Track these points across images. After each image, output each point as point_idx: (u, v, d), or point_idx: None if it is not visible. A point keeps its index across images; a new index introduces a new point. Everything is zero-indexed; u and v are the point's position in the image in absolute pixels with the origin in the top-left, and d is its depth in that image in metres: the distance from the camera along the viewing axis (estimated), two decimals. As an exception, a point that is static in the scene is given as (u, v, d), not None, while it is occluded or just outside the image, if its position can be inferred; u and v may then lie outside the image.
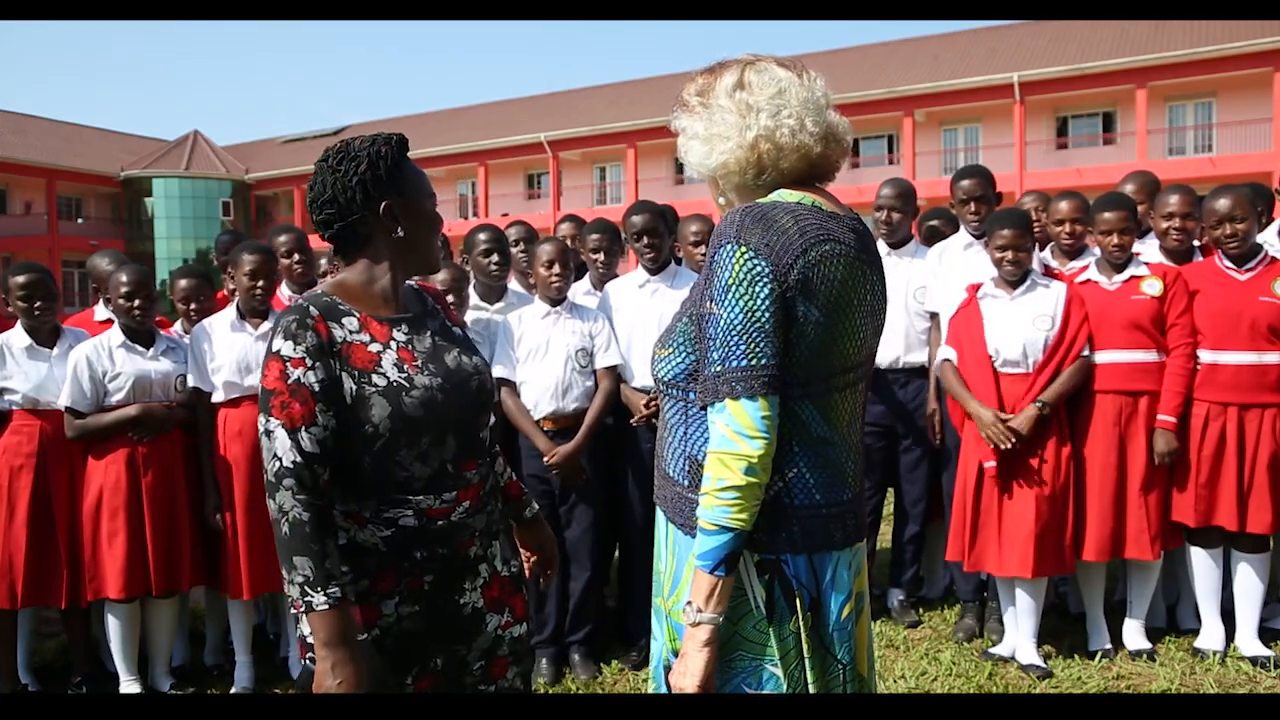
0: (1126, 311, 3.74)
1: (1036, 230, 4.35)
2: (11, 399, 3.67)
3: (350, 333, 1.76)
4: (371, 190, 1.78)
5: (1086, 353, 3.74)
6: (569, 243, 4.51)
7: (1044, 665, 3.74)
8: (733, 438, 1.52)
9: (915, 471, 4.33)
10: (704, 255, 1.82)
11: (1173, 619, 4.19)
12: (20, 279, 3.67)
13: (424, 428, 1.75)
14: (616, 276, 4.30)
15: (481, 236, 4.18)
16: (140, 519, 3.60)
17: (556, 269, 3.83)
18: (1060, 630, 4.09)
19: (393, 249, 1.83)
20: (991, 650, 3.89)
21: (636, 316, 3.96)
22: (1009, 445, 3.62)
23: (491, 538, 1.92)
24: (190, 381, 3.74)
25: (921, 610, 4.44)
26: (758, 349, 1.53)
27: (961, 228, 4.48)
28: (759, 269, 1.53)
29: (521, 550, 2.15)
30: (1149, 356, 3.75)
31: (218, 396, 3.73)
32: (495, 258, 4.11)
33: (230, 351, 3.72)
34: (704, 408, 1.60)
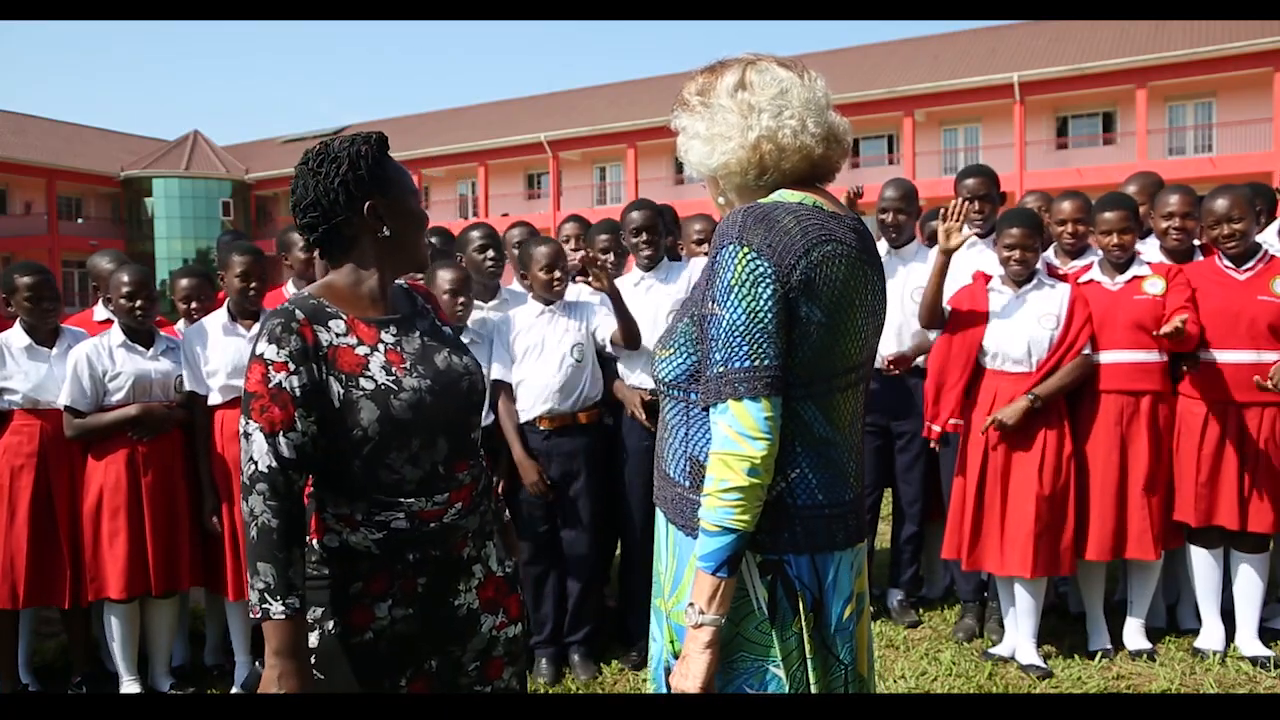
0: (1129, 311, 3.74)
1: None
2: (11, 399, 3.67)
3: (337, 336, 1.74)
4: (355, 191, 1.76)
5: (1088, 351, 3.75)
6: (573, 243, 4.53)
7: (1044, 665, 3.74)
8: (735, 439, 1.51)
9: (911, 471, 4.33)
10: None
11: (1173, 619, 4.19)
12: (26, 279, 3.68)
13: (413, 430, 1.74)
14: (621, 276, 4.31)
15: (475, 234, 4.19)
16: (140, 519, 3.60)
17: (557, 273, 3.84)
18: (1060, 630, 4.09)
19: (379, 249, 1.82)
20: (991, 650, 3.89)
21: (634, 314, 3.96)
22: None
23: (485, 538, 1.91)
24: (185, 384, 3.75)
25: (921, 610, 4.44)
26: (760, 350, 1.52)
27: (964, 227, 4.49)
28: (761, 269, 1.53)
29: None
30: (1151, 357, 3.75)
31: (215, 399, 3.73)
32: (490, 253, 4.12)
33: (224, 354, 3.72)
34: (706, 408, 1.59)
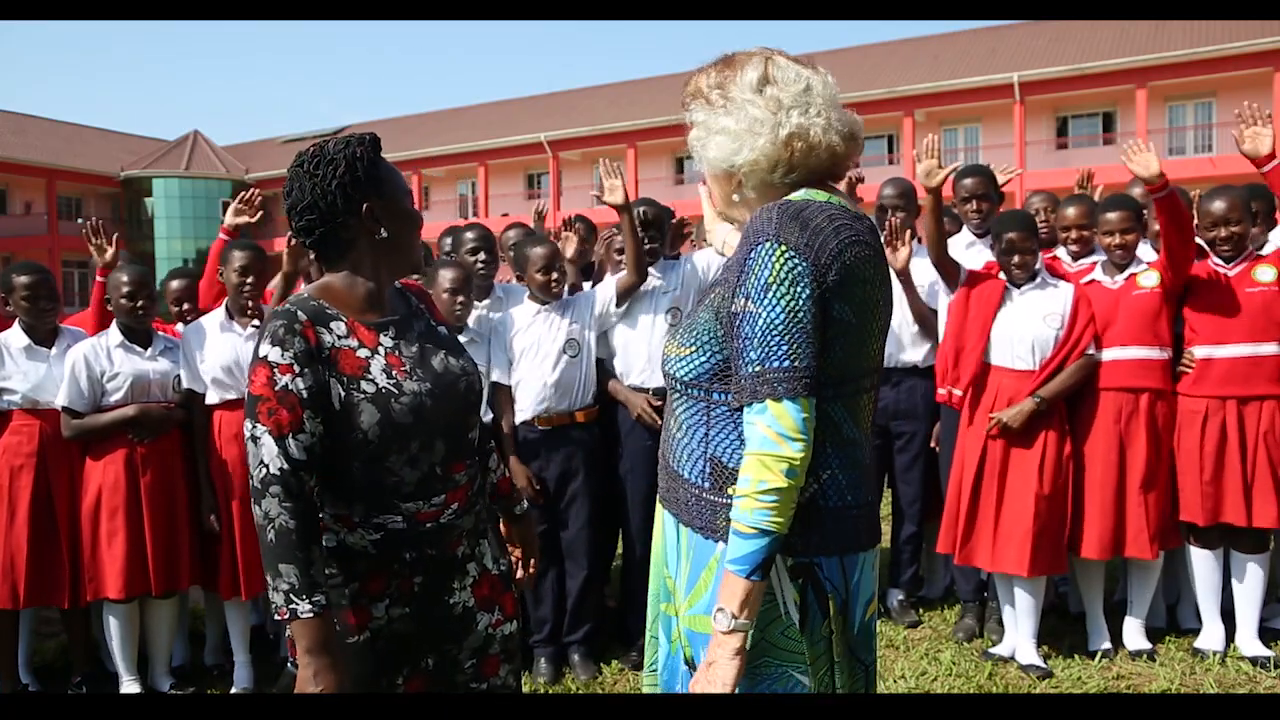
0: (1128, 308, 3.76)
1: (1044, 230, 4.37)
2: (10, 399, 3.67)
3: (338, 338, 1.73)
4: (351, 193, 1.76)
5: (1091, 351, 3.76)
6: (577, 243, 4.56)
7: (1044, 665, 3.74)
8: (775, 439, 1.49)
9: (910, 471, 4.33)
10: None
11: (1173, 619, 4.19)
12: (25, 279, 3.68)
13: (413, 433, 1.73)
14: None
15: (469, 235, 4.19)
16: (139, 519, 3.60)
17: (554, 274, 3.84)
18: (1060, 630, 4.09)
19: (376, 250, 1.81)
20: (991, 650, 3.89)
21: (634, 313, 3.96)
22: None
23: (479, 536, 1.91)
24: (184, 382, 3.75)
25: (921, 610, 4.44)
26: (799, 350, 1.51)
27: (964, 227, 4.50)
28: (799, 269, 1.52)
29: (509, 547, 2.16)
30: (1151, 353, 3.76)
31: (211, 397, 3.74)
32: (482, 256, 4.12)
33: (218, 351, 3.73)
34: (735, 408, 1.58)
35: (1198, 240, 3.83)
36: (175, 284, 4.15)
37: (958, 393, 3.90)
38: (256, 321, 3.77)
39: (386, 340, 1.79)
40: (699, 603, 1.62)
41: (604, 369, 3.98)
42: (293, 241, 3.51)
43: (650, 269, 4.01)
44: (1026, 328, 3.76)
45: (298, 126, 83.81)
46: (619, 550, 4.22)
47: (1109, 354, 3.78)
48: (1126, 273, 3.82)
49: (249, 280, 3.76)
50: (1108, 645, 3.87)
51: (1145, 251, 4.04)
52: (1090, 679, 3.64)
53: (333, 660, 1.63)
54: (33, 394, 3.66)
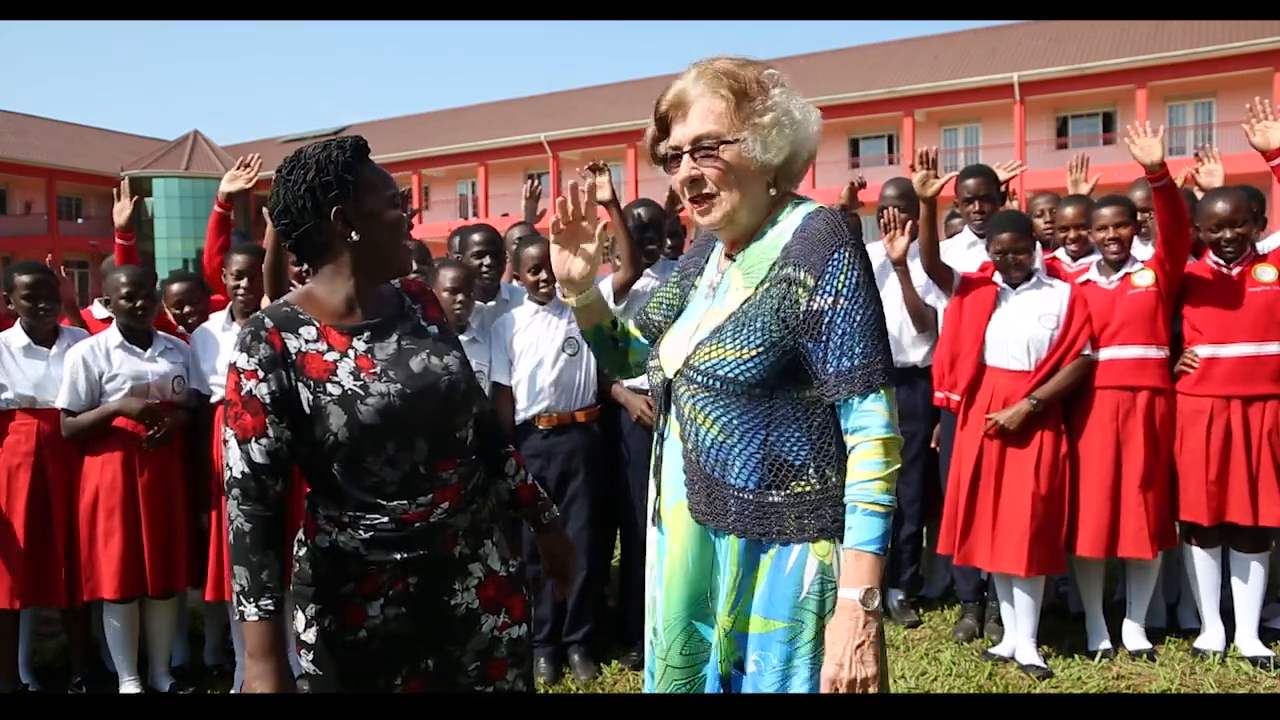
0: (1124, 307, 3.77)
1: (1047, 231, 4.37)
2: (10, 398, 3.67)
3: (306, 342, 1.74)
4: (320, 196, 1.76)
5: (1088, 352, 3.76)
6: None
7: (1044, 665, 3.74)
8: (894, 423, 1.61)
9: (909, 472, 4.32)
10: None
11: (1173, 619, 4.19)
12: (25, 278, 3.67)
13: (385, 434, 1.72)
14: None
15: (475, 238, 4.18)
16: (136, 519, 3.60)
17: (544, 274, 3.85)
18: (1060, 630, 4.09)
19: (352, 254, 1.80)
20: (991, 650, 3.90)
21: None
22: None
23: (482, 536, 1.89)
24: (190, 383, 3.76)
25: (921, 610, 4.44)
26: (886, 342, 1.65)
27: (965, 227, 4.50)
28: (870, 268, 1.66)
29: (542, 558, 2.14)
30: (1148, 352, 3.77)
31: (215, 396, 3.74)
32: (488, 260, 4.12)
33: (220, 352, 3.74)
34: (804, 405, 1.64)
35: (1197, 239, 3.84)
36: (176, 287, 4.14)
37: (955, 397, 3.91)
38: None
39: (359, 344, 1.78)
40: (750, 605, 1.65)
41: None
42: (269, 230, 3.47)
43: (649, 270, 4.01)
44: (1022, 329, 3.76)
45: (298, 126, 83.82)
46: (618, 550, 4.22)
47: (1106, 353, 3.78)
48: (1121, 272, 3.83)
49: (243, 284, 3.76)
50: (1108, 645, 3.87)
51: (1140, 250, 4.05)
52: (1090, 679, 3.64)
53: (275, 666, 1.66)
54: (32, 393, 3.66)
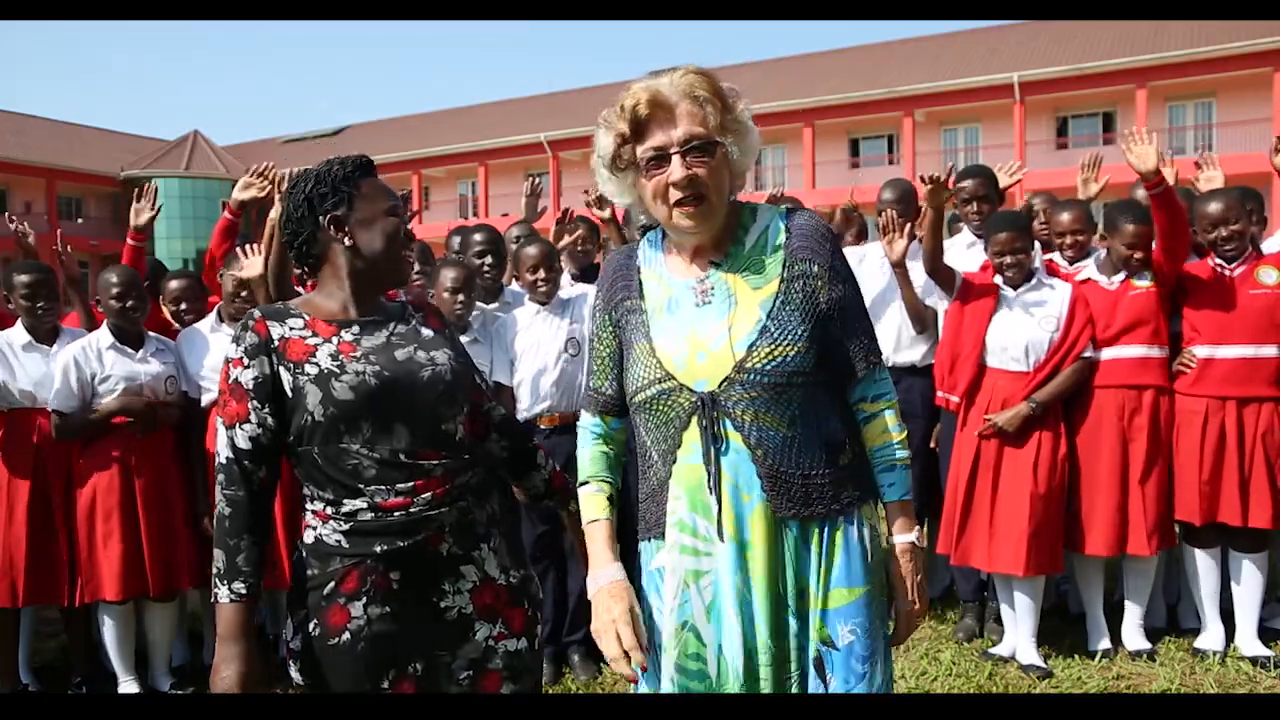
0: (1126, 308, 3.77)
1: (1044, 232, 4.37)
2: (10, 397, 3.67)
3: (291, 329, 1.81)
4: (316, 206, 1.83)
5: (1089, 353, 3.76)
6: (578, 244, 4.57)
7: (1044, 665, 3.74)
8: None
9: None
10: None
11: (1173, 619, 4.19)
12: (24, 278, 3.68)
13: (359, 413, 1.75)
14: None
15: (476, 238, 4.18)
16: (134, 521, 3.60)
17: (542, 273, 3.85)
18: (1060, 630, 4.09)
19: (347, 261, 1.84)
20: (991, 650, 3.90)
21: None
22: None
23: (477, 539, 1.86)
24: (180, 385, 3.78)
25: (921, 610, 4.43)
26: None
27: (965, 228, 4.50)
28: None
29: (573, 535, 2.09)
30: (1151, 352, 3.77)
31: (206, 399, 3.77)
32: (490, 259, 4.12)
33: (209, 353, 3.77)
34: (833, 385, 1.76)
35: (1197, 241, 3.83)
36: (174, 284, 4.16)
37: (955, 399, 3.91)
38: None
39: (346, 335, 1.82)
40: (832, 580, 1.71)
41: None
42: (266, 231, 3.52)
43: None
44: (1021, 331, 3.76)
45: (298, 126, 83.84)
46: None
47: (1110, 352, 3.79)
48: (1122, 273, 3.83)
49: (244, 294, 3.77)
50: (1108, 645, 3.87)
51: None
52: (1090, 679, 3.64)
53: (240, 650, 1.70)
54: (33, 392, 3.66)
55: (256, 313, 1.81)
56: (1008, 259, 3.78)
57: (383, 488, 1.76)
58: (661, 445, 1.74)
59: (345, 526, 1.76)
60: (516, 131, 34.23)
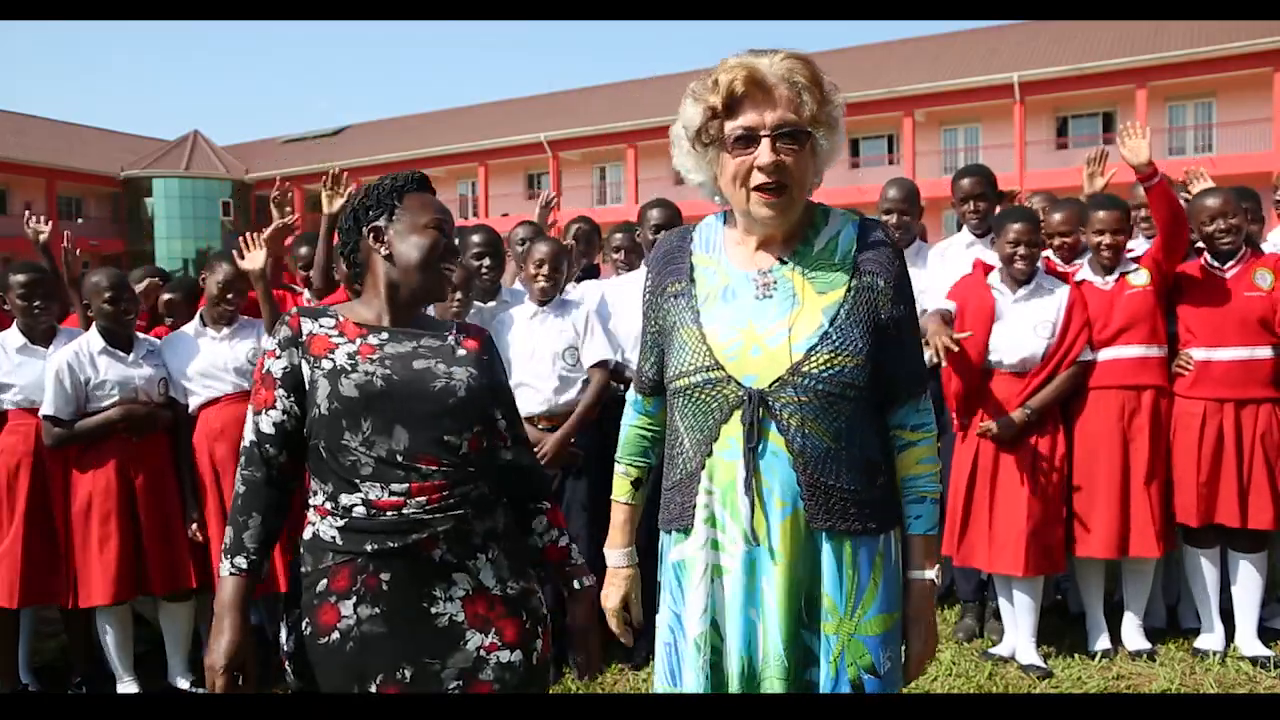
0: (1123, 308, 3.77)
1: (1045, 232, 4.36)
2: (7, 398, 3.66)
3: (320, 327, 1.87)
4: (362, 217, 1.91)
5: (1086, 356, 3.76)
6: (576, 244, 4.58)
7: (1044, 665, 3.74)
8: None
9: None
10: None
11: (1173, 619, 4.19)
12: (20, 277, 3.67)
13: (361, 410, 1.78)
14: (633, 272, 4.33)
15: (475, 239, 4.17)
16: (131, 523, 3.59)
17: (546, 270, 3.85)
18: (1060, 630, 4.09)
19: (388, 274, 1.89)
20: (991, 650, 3.90)
21: (639, 315, 3.96)
22: (949, 345, 3.52)
23: (474, 550, 1.84)
24: (170, 390, 3.78)
25: (921, 610, 4.43)
26: None
27: (963, 227, 4.49)
28: None
29: (567, 624, 2.10)
30: (1149, 351, 3.77)
31: (193, 402, 3.78)
32: (488, 261, 4.12)
33: (196, 356, 3.78)
34: (874, 405, 1.71)
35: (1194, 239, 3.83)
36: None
37: (977, 432, 3.89)
38: (229, 326, 3.87)
39: (372, 339, 1.86)
40: (872, 605, 1.66)
41: (607, 365, 3.98)
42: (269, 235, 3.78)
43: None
44: (1018, 339, 3.75)
45: (298, 126, 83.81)
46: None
47: (1108, 353, 3.79)
48: (1116, 273, 3.83)
49: (228, 296, 3.82)
50: (1108, 645, 3.87)
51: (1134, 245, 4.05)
52: (1090, 679, 3.64)
53: (234, 621, 1.76)
54: (29, 393, 3.65)
55: (295, 309, 1.92)
56: (1021, 250, 3.74)
57: (377, 485, 1.77)
58: (697, 434, 1.69)
59: (340, 522, 1.78)
60: (516, 131, 34.22)
